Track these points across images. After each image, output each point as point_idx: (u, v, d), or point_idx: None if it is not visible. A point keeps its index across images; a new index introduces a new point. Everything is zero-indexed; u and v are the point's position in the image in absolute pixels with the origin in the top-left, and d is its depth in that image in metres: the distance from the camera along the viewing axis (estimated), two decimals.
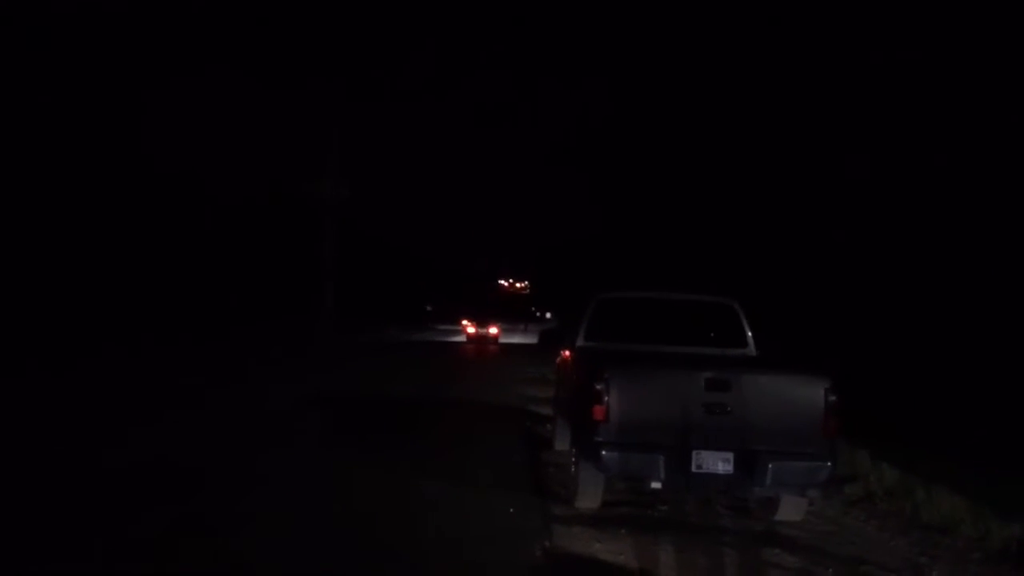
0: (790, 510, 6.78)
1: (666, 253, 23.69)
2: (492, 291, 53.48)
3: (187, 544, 5.58)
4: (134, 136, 21.36)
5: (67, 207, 19.51)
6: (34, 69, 18.07)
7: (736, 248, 19.13)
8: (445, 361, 24.65)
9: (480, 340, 31.70)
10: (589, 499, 6.89)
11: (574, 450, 7.13)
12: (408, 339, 33.19)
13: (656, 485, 6.37)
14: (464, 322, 33.79)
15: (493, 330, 32.64)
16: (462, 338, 34.35)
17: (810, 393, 6.23)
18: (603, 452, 6.26)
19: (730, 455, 6.20)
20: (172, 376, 15.23)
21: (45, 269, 18.80)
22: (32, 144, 18.34)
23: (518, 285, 69.66)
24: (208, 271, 24.83)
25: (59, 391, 12.99)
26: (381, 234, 35.56)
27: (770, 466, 6.09)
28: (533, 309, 51.11)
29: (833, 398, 6.17)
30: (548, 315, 47.41)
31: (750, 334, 8.13)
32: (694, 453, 6.19)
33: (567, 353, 8.80)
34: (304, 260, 27.08)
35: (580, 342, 8.10)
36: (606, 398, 6.23)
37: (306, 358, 21.54)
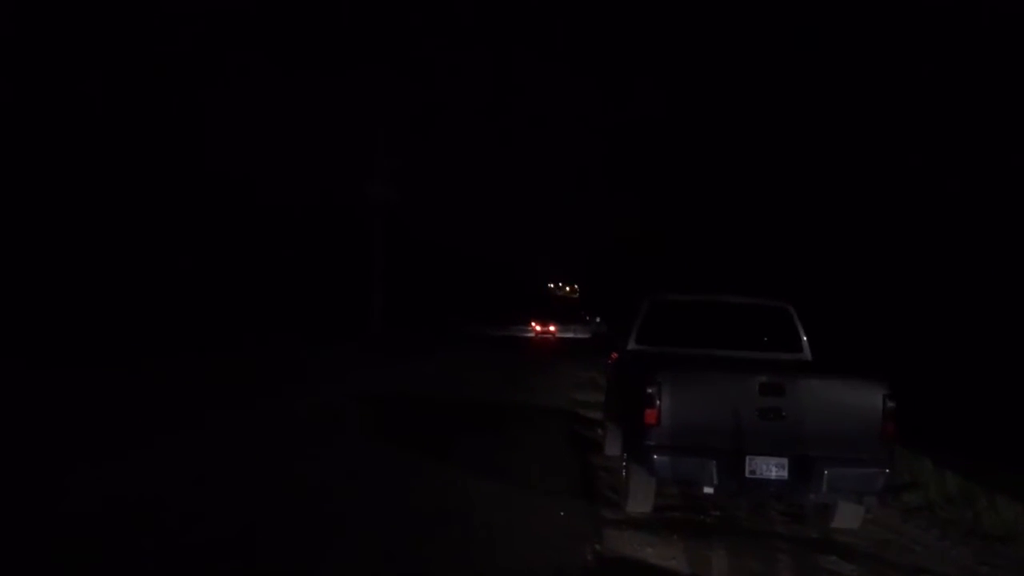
0: (847, 517, 6.66)
1: (715, 257, 23.48)
2: (548, 297, 58.28)
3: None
4: (184, 136, 21.71)
5: (119, 208, 19.87)
6: (83, 66, 18.45)
7: (785, 251, 18.88)
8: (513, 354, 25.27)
9: (543, 335, 41.33)
10: (640, 503, 6.84)
11: (625, 454, 7.08)
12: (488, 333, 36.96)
13: (708, 490, 6.28)
14: (532, 323, 43.89)
15: (552, 328, 42.60)
16: (530, 333, 43.05)
17: (868, 398, 6.11)
18: (654, 456, 6.22)
19: (784, 460, 6.11)
20: (231, 378, 15.44)
21: (94, 269, 19.14)
22: (79, 142, 18.69)
23: (567, 289, 70.29)
24: (256, 274, 25.13)
25: (131, 388, 13.27)
26: (433, 237, 35.76)
27: (826, 472, 6.00)
28: (582, 313, 52.16)
29: (891, 404, 6.05)
30: (598, 319, 47.58)
31: (804, 338, 8.00)
32: (747, 458, 6.12)
33: (617, 356, 8.75)
34: (355, 263, 27.29)
35: (631, 345, 8.05)
36: (658, 402, 6.19)
37: (360, 354, 21.73)
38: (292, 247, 26.62)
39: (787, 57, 19.82)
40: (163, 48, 20.66)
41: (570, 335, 41.15)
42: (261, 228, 25.33)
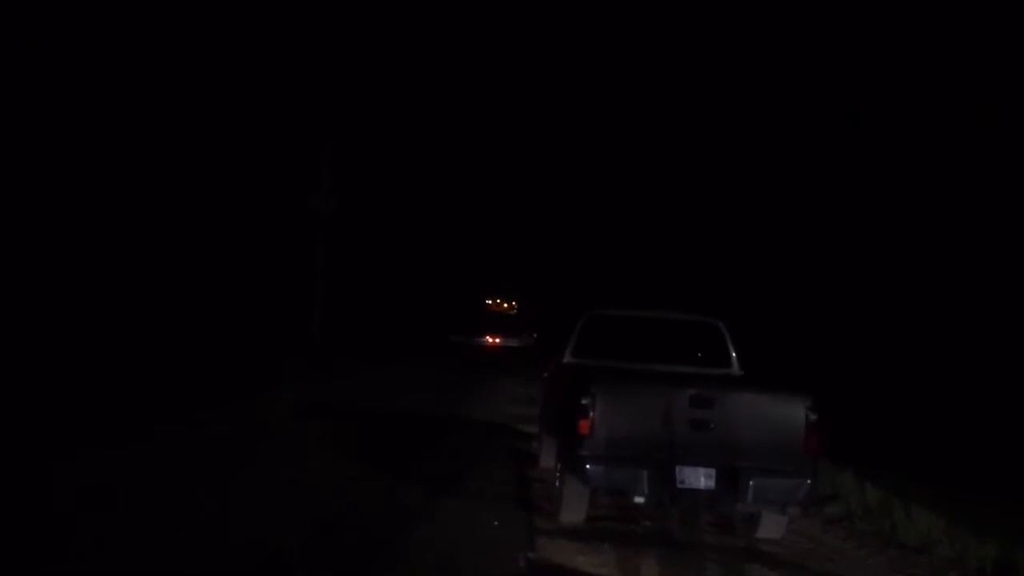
0: (771, 527, 6.88)
1: (655, 271, 23.85)
2: (486, 312, 60.00)
3: None
4: (126, 138, 21.29)
5: (61, 211, 19.42)
6: (36, 72, 18.06)
7: (727, 265, 19.29)
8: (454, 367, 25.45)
9: (491, 344, 45.97)
10: (573, 513, 6.97)
11: (559, 464, 7.21)
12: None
13: (640, 500, 6.44)
14: (486, 335, 48.00)
15: (497, 339, 46.96)
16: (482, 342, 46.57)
17: (791, 411, 6.34)
18: (588, 466, 6.35)
19: (713, 471, 6.30)
20: (165, 388, 15.08)
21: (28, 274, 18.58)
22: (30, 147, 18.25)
23: (504, 305, 71.63)
24: (195, 278, 24.69)
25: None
26: (374, 246, 35.57)
27: (751, 482, 6.20)
28: (519, 326, 53.64)
29: (814, 416, 6.28)
30: (534, 335, 48.19)
31: (734, 354, 8.25)
32: (677, 468, 6.29)
33: (553, 369, 8.89)
34: (298, 272, 27.05)
35: (567, 358, 8.21)
36: (591, 413, 6.33)
37: (300, 365, 21.45)
38: (236, 254, 26.22)
39: (724, 67, 20.32)
40: (116, 53, 20.30)
41: (511, 344, 45.72)
42: (205, 234, 24.90)
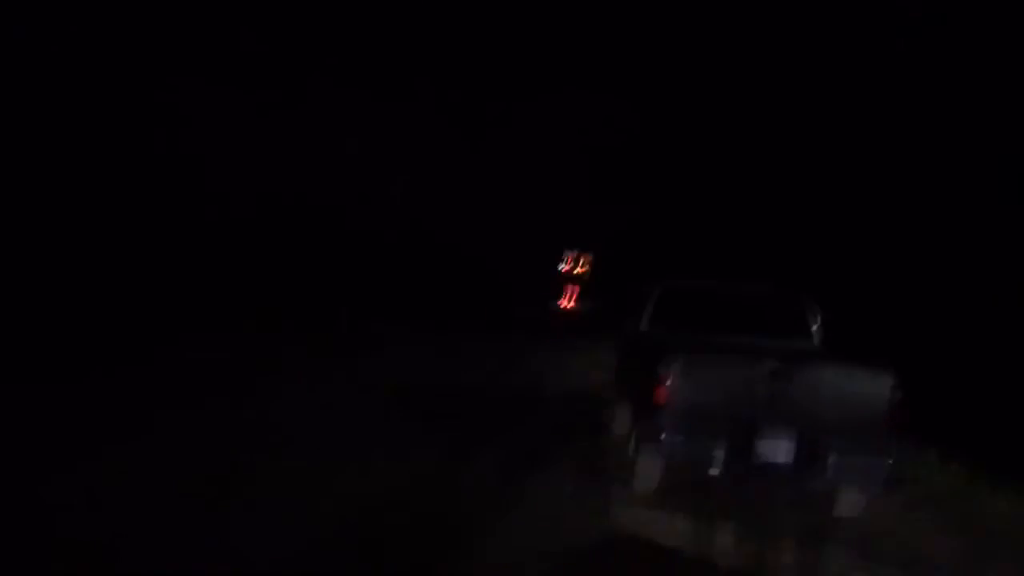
0: (848, 506, 6.76)
1: (721, 243, 23.43)
2: (561, 278, 60.22)
3: None
4: (147, 131, 21.01)
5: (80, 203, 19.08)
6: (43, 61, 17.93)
7: (798, 241, 18.80)
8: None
9: (564, 309, 44.33)
10: (647, 482, 6.97)
11: (634, 434, 7.20)
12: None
13: (715, 472, 6.41)
14: (559, 301, 46.09)
15: (571, 304, 45.56)
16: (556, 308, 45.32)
17: (876, 388, 6.21)
18: (663, 437, 6.34)
19: (791, 446, 6.22)
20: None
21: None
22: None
23: (577, 270, 71.32)
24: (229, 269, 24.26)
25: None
26: (434, 230, 35.35)
27: (831, 459, 6.11)
28: (591, 292, 53.93)
29: (899, 394, 6.14)
30: (602, 301, 48.29)
31: (814, 326, 8.10)
32: (755, 443, 6.23)
33: (628, 338, 8.85)
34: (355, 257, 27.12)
35: (643, 328, 8.16)
36: (669, 383, 6.30)
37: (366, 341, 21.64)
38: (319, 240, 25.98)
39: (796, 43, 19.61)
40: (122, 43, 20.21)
41: (580, 309, 43.98)
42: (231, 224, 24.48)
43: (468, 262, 39.21)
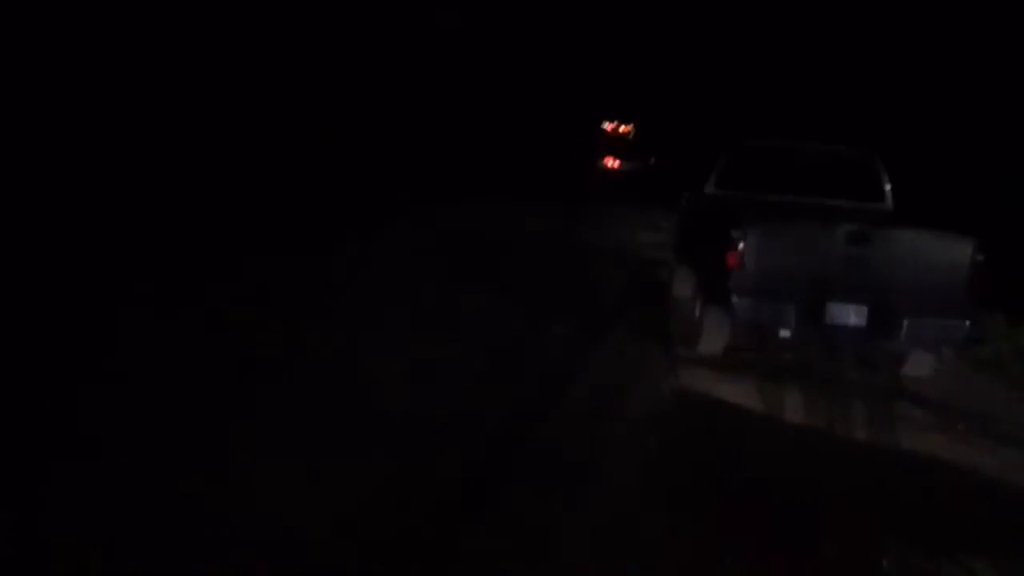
0: (918, 365, 6.76)
1: (782, 103, 22.69)
2: (603, 137, 61.26)
3: None
4: None
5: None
6: None
7: (864, 101, 18.15)
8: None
9: (611, 168, 48.06)
10: (713, 344, 7.00)
11: (699, 295, 7.18)
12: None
13: (785, 334, 6.38)
14: (606, 159, 50.21)
15: (616, 163, 48.95)
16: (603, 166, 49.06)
17: (957, 251, 6.06)
18: (735, 298, 6.29)
19: (864, 308, 6.14)
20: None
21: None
22: None
23: (621, 129, 70.70)
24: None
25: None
26: (491, 87, 34.67)
27: (906, 322, 6.03)
28: (638, 151, 54.37)
29: (980, 257, 6.01)
30: (652, 159, 47.75)
31: (888, 188, 7.89)
32: (827, 304, 6.18)
33: (692, 200, 8.70)
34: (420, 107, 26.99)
35: (711, 189, 8.01)
36: (742, 245, 6.22)
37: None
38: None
39: None
40: None
41: (629, 167, 46.07)
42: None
43: (528, 130, 38.87)
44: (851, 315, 6.19)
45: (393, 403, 5.16)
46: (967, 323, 6.08)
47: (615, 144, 59.44)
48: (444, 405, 5.23)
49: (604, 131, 65.60)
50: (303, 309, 7.39)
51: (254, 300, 7.43)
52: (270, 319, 6.85)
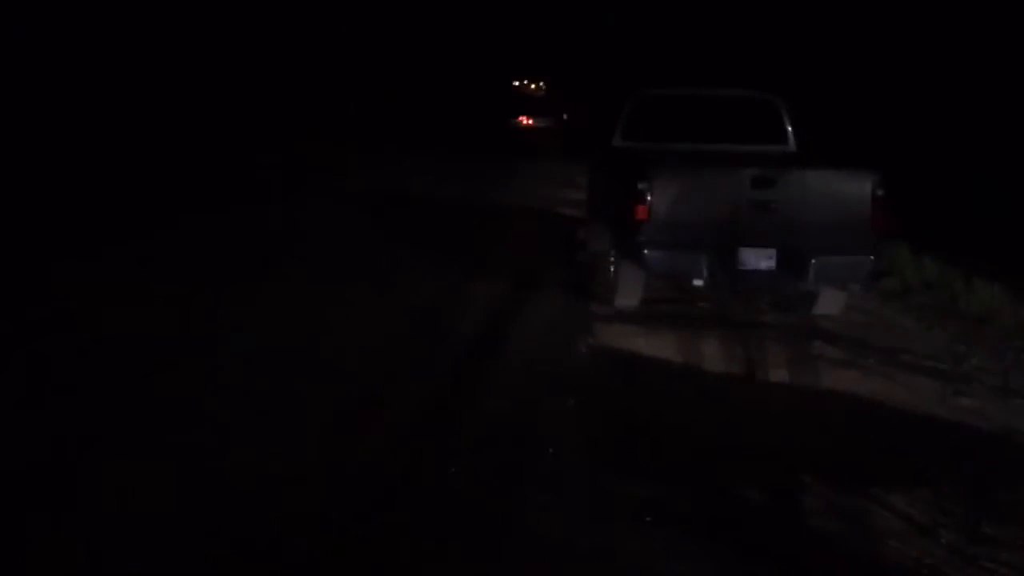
0: (829, 303, 6.86)
1: (688, 55, 22.74)
2: (516, 94, 62.87)
3: None
4: None
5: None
6: None
7: (773, 45, 18.19)
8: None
9: (526, 125, 50.75)
10: (629, 297, 6.98)
11: (613, 250, 7.15)
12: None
13: (699, 283, 6.39)
14: (520, 118, 52.66)
15: (530, 121, 51.54)
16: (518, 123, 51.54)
17: (858, 187, 6.13)
18: (645, 251, 6.26)
19: (773, 251, 6.19)
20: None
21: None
22: None
23: (533, 87, 71.36)
24: (228, 74, 24.09)
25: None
26: (408, 25, 34.22)
27: (814, 261, 6.09)
28: (550, 107, 55.85)
29: (881, 192, 6.08)
30: (564, 116, 47.96)
31: (790, 129, 7.95)
32: (738, 251, 6.20)
33: (600, 153, 8.65)
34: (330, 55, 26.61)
35: (617, 141, 7.96)
36: (649, 197, 6.18)
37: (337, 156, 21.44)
38: (266, 42, 25.27)
39: None
40: None
41: (542, 124, 48.68)
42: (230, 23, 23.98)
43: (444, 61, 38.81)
44: (761, 259, 6.23)
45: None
46: (872, 258, 6.18)
47: (527, 101, 60.38)
48: (363, 368, 5.12)
49: (516, 89, 65.93)
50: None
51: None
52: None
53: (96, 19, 19.29)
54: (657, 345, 6.13)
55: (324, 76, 26.86)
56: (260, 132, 22.64)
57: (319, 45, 26.73)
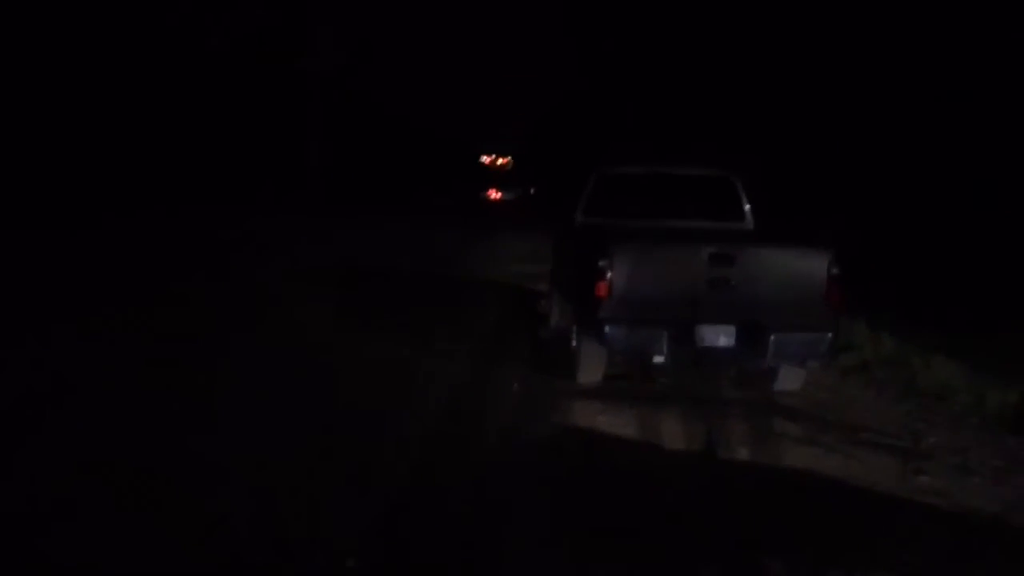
0: (789, 380, 6.89)
1: (654, 122, 23.26)
2: (484, 169, 64.98)
3: None
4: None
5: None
6: None
7: (733, 111, 18.62)
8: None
9: (492, 199, 50.67)
10: (591, 374, 6.96)
11: (575, 326, 7.16)
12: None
13: (659, 359, 6.41)
14: (489, 191, 53.22)
15: (498, 195, 51.82)
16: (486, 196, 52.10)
17: (813, 265, 6.24)
18: (607, 328, 6.29)
19: (732, 328, 6.23)
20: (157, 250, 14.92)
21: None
22: None
23: (500, 161, 73.32)
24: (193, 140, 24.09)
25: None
26: (382, 102, 34.68)
27: (772, 338, 6.14)
28: (516, 182, 57.60)
29: (836, 270, 6.19)
30: (532, 190, 48.73)
31: (747, 207, 8.09)
32: (697, 327, 6.23)
33: (563, 229, 8.73)
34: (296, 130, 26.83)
35: (580, 218, 8.04)
36: (609, 274, 6.23)
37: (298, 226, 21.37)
38: (231, 114, 25.42)
39: None
40: None
41: (509, 196, 49.98)
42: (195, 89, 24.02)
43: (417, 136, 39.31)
44: (721, 336, 6.27)
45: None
46: (829, 335, 6.25)
47: (495, 175, 62.03)
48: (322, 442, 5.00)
49: (483, 164, 67.44)
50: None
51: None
52: None
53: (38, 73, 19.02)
54: (619, 422, 6.09)
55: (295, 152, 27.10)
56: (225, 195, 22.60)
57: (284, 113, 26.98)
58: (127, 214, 18.48)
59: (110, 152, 21.04)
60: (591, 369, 6.93)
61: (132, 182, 21.22)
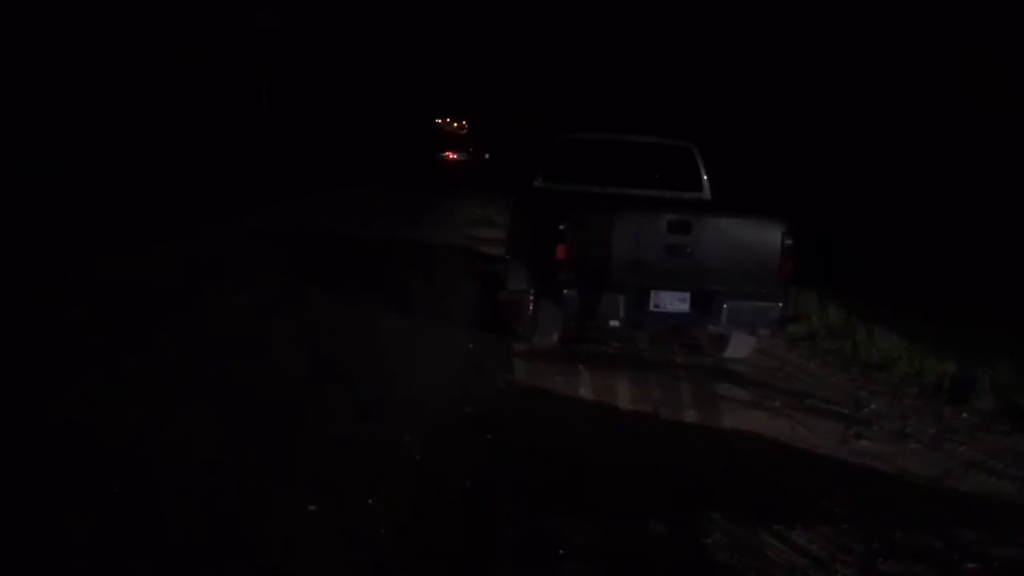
0: (738, 347, 7.09)
1: (615, 97, 23.30)
2: (438, 132, 66.58)
3: None
4: None
5: None
6: None
7: (697, 90, 18.75)
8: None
9: (449, 160, 54.60)
10: (547, 336, 7.07)
11: (532, 289, 7.25)
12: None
13: (615, 323, 6.55)
14: (446, 152, 57.13)
15: (454, 156, 55.60)
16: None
17: (768, 235, 6.39)
18: (564, 291, 6.38)
19: (687, 295, 6.38)
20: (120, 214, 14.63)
21: None
22: None
23: (455, 125, 73.23)
24: (138, 107, 23.52)
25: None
26: (325, 67, 34.14)
27: (725, 306, 6.30)
28: (471, 148, 58.79)
29: (789, 241, 6.34)
30: (486, 155, 48.56)
31: (705, 177, 8.22)
32: (652, 293, 6.37)
33: (522, 194, 8.79)
34: (245, 96, 26.23)
35: (539, 183, 8.10)
36: (568, 238, 6.31)
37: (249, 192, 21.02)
38: (175, 76, 24.87)
39: None
40: None
41: (463, 158, 53.52)
42: (142, 55, 23.45)
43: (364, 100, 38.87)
44: (675, 301, 6.41)
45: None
46: (780, 304, 6.43)
47: (451, 137, 63.06)
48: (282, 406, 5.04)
49: (440, 127, 67.61)
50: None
51: None
52: None
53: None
54: (573, 384, 6.22)
55: (239, 112, 26.59)
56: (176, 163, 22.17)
57: (235, 78, 26.49)
58: (78, 184, 17.79)
59: (56, 120, 20.28)
60: (547, 331, 7.03)
61: (80, 150, 20.46)
